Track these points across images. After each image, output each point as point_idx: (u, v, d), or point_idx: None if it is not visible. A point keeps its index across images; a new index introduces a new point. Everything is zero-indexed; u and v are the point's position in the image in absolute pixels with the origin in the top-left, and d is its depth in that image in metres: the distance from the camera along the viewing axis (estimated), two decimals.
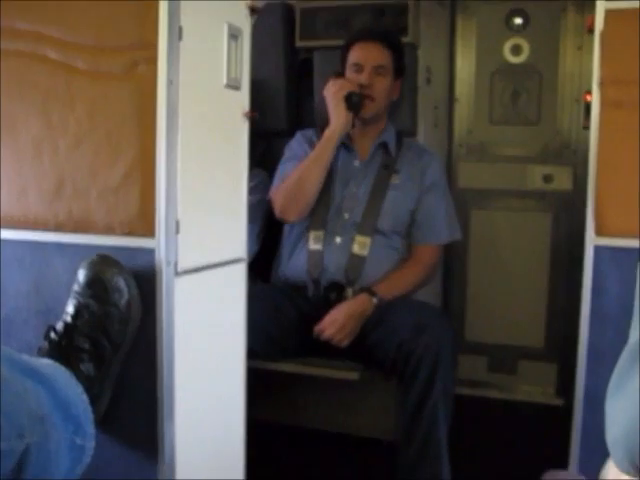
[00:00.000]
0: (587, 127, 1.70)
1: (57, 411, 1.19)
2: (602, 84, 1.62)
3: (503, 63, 3.24)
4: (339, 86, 2.36)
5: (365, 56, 2.40)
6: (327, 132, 2.37)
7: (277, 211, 2.41)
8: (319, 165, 2.35)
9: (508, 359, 3.27)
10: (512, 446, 2.63)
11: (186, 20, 1.38)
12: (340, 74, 2.44)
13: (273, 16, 2.76)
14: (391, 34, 2.50)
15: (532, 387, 3.24)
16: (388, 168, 2.43)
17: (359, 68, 2.40)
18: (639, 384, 0.58)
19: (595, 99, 1.64)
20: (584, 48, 3.06)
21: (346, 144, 2.46)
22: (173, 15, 1.36)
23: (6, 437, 1.03)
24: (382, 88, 2.41)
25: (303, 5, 2.76)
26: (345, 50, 2.45)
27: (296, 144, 2.53)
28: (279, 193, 2.40)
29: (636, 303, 0.62)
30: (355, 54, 2.42)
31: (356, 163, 2.45)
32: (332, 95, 2.36)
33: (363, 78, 2.37)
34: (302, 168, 2.37)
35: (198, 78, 1.45)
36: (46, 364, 1.29)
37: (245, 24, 1.61)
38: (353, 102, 2.35)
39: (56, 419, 1.18)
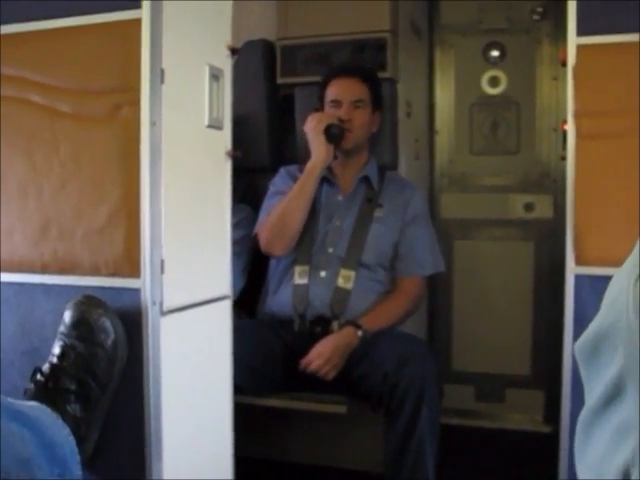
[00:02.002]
0: (564, 158, 1.73)
1: (43, 453, 1.19)
2: (576, 116, 1.65)
3: (481, 95, 3.28)
4: (318, 119, 2.39)
5: (343, 92, 2.44)
6: (309, 165, 2.40)
7: (262, 245, 2.42)
8: (302, 198, 2.37)
9: (495, 388, 3.27)
10: (501, 475, 2.63)
11: (168, 62, 1.40)
12: (319, 110, 2.47)
13: (254, 54, 2.79)
14: (366, 68, 2.53)
15: (520, 415, 3.25)
16: (371, 202, 2.45)
17: (337, 104, 2.43)
18: (596, 455, 0.59)
19: (570, 131, 1.67)
20: (560, 78, 3.11)
21: (329, 178, 2.48)
22: (155, 58, 1.39)
23: None
24: (361, 121, 2.44)
25: (283, 43, 2.79)
26: (322, 88, 2.49)
27: (280, 180, 2.55)
28: (264, 228, 2.42)
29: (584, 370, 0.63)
30: (333, 91, 2.45)
31: (339, 197, 2.47)
32: (312, 128, 2.39)
33: (342, 112, 2.41)
34: (285, 202, 2.38)
35: (180, 119, 1.47)
36: (32, 406, 1.28)
37: (226, 64, 1.64)
38: (332, 134, 2.38)
39: (42, 461, 1.18)
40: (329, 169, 2.46)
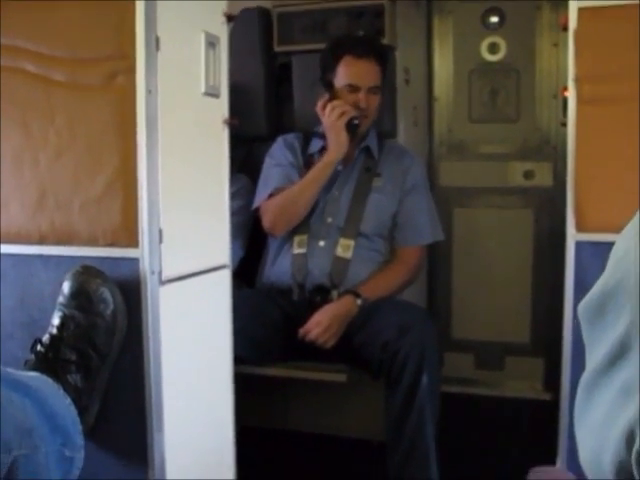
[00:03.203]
0: (565, 124, 1.71)
1: (45, 423, 1.20)
2: (577, 81, 1.63)
3: (481, 62, 3.25)
4: (339, 112, 2.31)
5: (361, 77, 2.36)
6: (327, 158, 2.35)
7: (266, 225, 2.42)
8: (314, 187, 2.35)
9: (495, 356, 3.28)
10: (501, 443, 2.65)
11: (163, 30, 1.39)
12: (331, 87, 2.38)
13: (250, 22, 2.76)
14: (382, 47, 2.47)
15: (520, 383, 3.26)
16: (370, 171, 2.44)
17: (354, 89, 2.36)
18: (597, 417, 0.59)
19: (571, 96, 1.65)
20: (560, 45, 3.08)
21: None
22: (150, 25, 1.37)
23: None
24: (375, 105, 2.40)
25: (280, 10, 2.76)
26: (333, 58, 2.40)
27: (278, 151, 2.52)
28: (269, 209, 2.40)
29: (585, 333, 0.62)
30: (349, 72, 2.36)
31: (338, 168, 2.44)
32: (333, 122, 2.31)
33: (361, 101, 2.34)
34: (296, 189, 2.37)
35: (177, 87, 1.46)
36: (33, 377, 1.29)
37: (222, 32, 1.62)
38: (352, 127, 2.33)
39: (44, 431, 1.18)
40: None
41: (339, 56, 2.39)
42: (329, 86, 2.39)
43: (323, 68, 2.44)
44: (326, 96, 2.37)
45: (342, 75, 2.38)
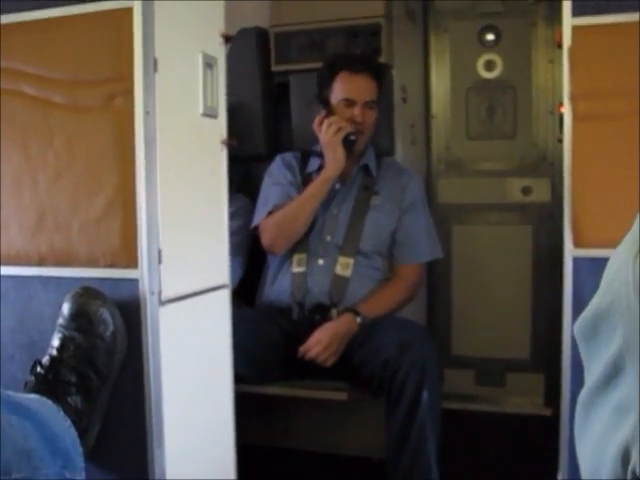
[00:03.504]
0: (561, 140, 1.72)
1: (45, 445, 1.19)
2: (573, 99, 1.64)
3: (477, 79, 3.27)
4: (336, 128, 2.33)
5: (357, 91, 2.37)
6: (324, 174, 2.36)
7: (265, 244, 2.42)
8: (312, 204, 2.36)
9: (495, 372, 3.28)
10: (502, 459, 2.64)
11: (161, 51, 1.40)
12: (327, 103, 2.40)
13: (248, 42, 2.78)
14: (377, 63, 2.49)
15: (520, 398, 3.25)
16: (368, 189, 2.44)
17: (350, 103, 2.37)
18: (595, 435, 0.59)
19: (567, 113, 1.66)
20: (556, 61, 3.09)
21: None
22: (148, 47, 1.38)
23: None
24: (371, 121, 2.41)
25: (277, 30, 2.78)
26: (329, 75, 2.41)
27: (277, 170, 2.53)
28: (267, 227, 2.41)
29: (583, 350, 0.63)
30: (345, 87, 2.38)
31: (337, 186, 2.45)
32: (330, 139, 2.33)
33: (357, 116, 2.36)
34: (294, 206, 2.37)
35: (175, 108, 1.47)
36: (32, 399, 1.28)
37: (219, 52, 1.63)
38: (349, 143, 2.34)
39: (44, 453, 1.18)
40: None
41: (335, 72, 2.40)
42: (325, 103, 2.41)
43: (320, 85, 2.45)
44: (323, 113, 2.38)
45: (338, 90, 2.39)
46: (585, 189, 1.65)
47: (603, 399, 0.57)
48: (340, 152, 2.33)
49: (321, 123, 2.36)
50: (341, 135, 2.33)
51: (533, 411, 3.19)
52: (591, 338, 0.59)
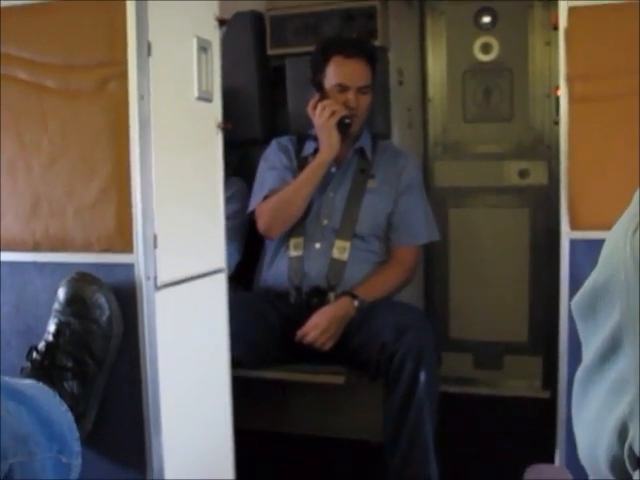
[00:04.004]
0: (557, 122, 1.72)
1: (41, 430, 1.20)
2: (569, 80, 1.64)
3: (474, 62, 3.25)
4: (330, 112, 2.32)
5: (350, 76, 2.36)
6: (319, 158, 2.36)
7: (261, 228, 2.42)
8: (308, 188, 2.36)
9: (493, 355, 3.28)
10: (500, 442, 2.65)
11: (154, 35, 1.39)
12: (321, 87, 2.39)
13: (243, 25, 2.77)
14: (371, 47, 2.47)
15: (518, 381, 3.26)
16: (364, 172, 2.44)
17: (343, 88, 2.36)
18: (592, 412, 0.59)
19: (563, 95, 1.65)
20: (552, 43, 3.08)
21: None
22: (141, 31, 1.37)
23: None
24: (365, 105, 2.40)
25: (272, 13, 2.76)
26: (322, 59, 2.41)
27: (273, 154, 2.52)
28: (263, 211, 2.41)
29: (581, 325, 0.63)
30: (338, 72, 2.37)
31: (332, 170, 2.45)
32: (324, 122, 2.32)
33: (350, 100, 2.35)
34: (290, 190, 2.37)
35: (169, 92, 1.46)
36: (28, 384, 1.29)
37: (214, 36, 1.62)
38: (344, 125, 2.34)
39: (40, 438, 1.18)
40: None
41: (328, 57, 2.39)
42: (319, 87, 2.40)
43: (313, 69, 2.44)
44: (317, 97, 2.38)
45: (332, 75, 2.38)
46: (581, 171, 1.65)
47: (600, 376, 0.57)
48: (335, 135, 2.33)
49: (315, 107, 2.36)
50: (335, 118, 2.32)
51: (531, 394, 3.19)
52: (588, 315, 0.59)
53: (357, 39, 2.51)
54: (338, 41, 2.46)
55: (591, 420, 0.59)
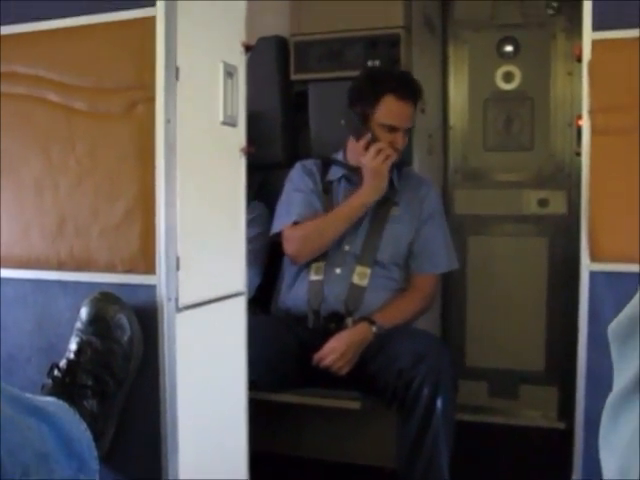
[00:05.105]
0: (579, 154, 1.72)
1: (61, 448, 1.20)
2: (591, 112, 1.64)
3: (495, 90, 3.27)
4: (385, 156, 2.31)
5: (401, 119, 2.36)
6: (363, 199, 2.35)
7: (289, 253, 2.43)
8: (344, 224, 2.36)
9: (509, 384, 3.27)
10: (515, 471, 2.63)
11: (182, 60, 1.41)
12: (367, 120, 2.37)
13: (267, 50, 2.80)
14: (421, 91, 2.46)
15: (534, 411, 3.24)
16: (388, 200, 2.44)
17: (392, 129, 2.36)
18: (624, 438, 0.59)
19: (585, 127, 1.66)
20: (574, 73, 3.10)
21: (349, 177, 2.48)
22: (170, 56, 1.39)
23: (10, 475, 1.04)
24: (405, 143, 2.42)
25: (297, 39, 2.79)
26: (371, 92, 2.37)
27: (298, 178, 2.53)
28: (294, 238, 2.41)
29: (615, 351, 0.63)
30: (391, 114, 2.35)
31: None
32: (377, 166, 2.30)
33: (399, 143, 2.36)
34: (325, 223, 2.38)
35: (195, 116, 1.48)
36: (49, 402, 1.30)
37: (240, 61, 1.64)
38: (390, 169, 2.35)
39: (60, 456, 1.19)
40: (351, 168, 2.45)
41: (381, 93, 2.37)
42: (365, 119, 2.37)
43: (359, 99, 2.41)
44: (369, 136, 2.34)
45: (383, 114, 2.36)
46: (602, 203, 1.65)
47: (634, 402, 0.57)
48: (385, 180, 2.34)
49: (366, 147, 2.34)
50: (389, 163, 2.32)
51: (546, 424, 3.18)
52: (625, 341, 0.59)
53: (410, 80, 2.49)
54: (393, 79, 2.43)
55: (623, 446, 0.59)
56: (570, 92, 3.15)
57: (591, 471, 1.67)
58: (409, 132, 2.44)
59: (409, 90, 2.40)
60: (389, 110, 2.36)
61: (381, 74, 2.49)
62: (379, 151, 2.31)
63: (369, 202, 2.36)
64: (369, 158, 2.32)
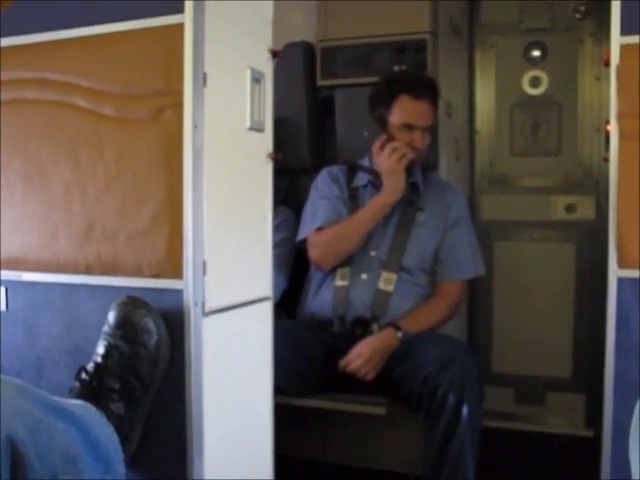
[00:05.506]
0: (607, 159, 1.71)
1: (88, 451, 1.21)
2: (620, 117, 1.63)
3: (522, 95, 3.26)
4: (400, 155, 2.33)
5: (417, 117, 2.38)
6: (384, 199, 2.36)
7: (314, 258, 2.44)
8: (367, 226, 2.37)
9: (535, 390, 3.25)
10: (541, 479, 2.61)
11: (210, 66, 1.42)
12: (384, 127, 2.39)
13: (294, 56, 2.81)
14: (437, 89, 2.47)
15: (560, 418, 3.22)
16: (414, 205, 2.44)
17: (410, 128, 2.37)
18: None
19: (613, 132, 1.64)
20: (602, 78, 3.08)
21: (375, 184, 2.47)
22: (197, 62, 1.40)
23: (40, 477, 1.06)
24: (426, 144, 2.42)
25: (323, 44, 2.80)
26: (389, 95, 2.40)
27: (323, 184, 2.54)
28: (317, 243, 2.42)
29: None
30: (406, 112, 2.37)
31: None
32: (393, 164, 2.32)
33: (417, 142, 2.36)
34: (348, 226, 2.38)
35: (222, 122, 1.49)
36: (77, 404, 1.31)
37: (267, 67, 1.64)
38: (408, 168, 2.35)
39: (87, 459, 1.20)
40: (376, 174, 2.45)
41: (396, 94, 2.39)
42: (382, 122, 2.40)
43: (376, 102, 2.45)
44: (384, 137, 2.37)
45: (399, 114, 2.38)
46: (631, 209, 1.63)
47: None
48: (402, 180, 2.34)
49: (382, 147, 2.36)
50: (405, 162, 2.33)
51: (573, 432, 3.15)
52: None
53: (425, 79, 2.51)
54: (407, 79, 2.46)
55: None
56: (598, 97, 3.13)
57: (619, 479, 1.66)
58: (432, 132, 2.43)
59: (423, 88, 2.41)
60: (404, 109, 2.38)
61: (395, 76, 2.52)
62: (394, 150, 2.32)
63: (390, 202, 2.36)
64: (384, 158, 2.34)
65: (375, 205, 2.37)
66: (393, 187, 2.34)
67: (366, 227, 2.36)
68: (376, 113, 2.43)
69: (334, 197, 2.47)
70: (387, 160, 2.33)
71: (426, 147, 2.43)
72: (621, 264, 1.63)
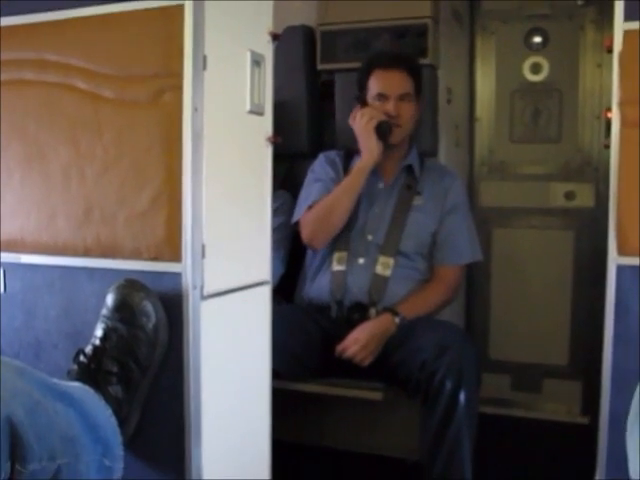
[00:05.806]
0: (608, 146, 1.70)
1: (87, 433, 1.22)
2: (621, 104, 1.62)
3: (523, 82, 3.25)
4: (368, 117, 2.35)
5: (389, 86, 2.40)
6: (359, 164, 2.38)
7: (305, 238, 2.43)
8: (349, 195, 2.37)
9: (532, 377, 3.25)
10: (537, 465, 2.62)
11: (210, 49, 1.41)
12: (364, 102, 2.42)
13: (294, 39, 2.80)
14: (410, 59, 2.49)
15: (557, 405, 3.22)
16: (410, 190, 2.44)
17: (383, 98, 2.39)
18: None
19: (615, 119, 1.64)
20: (604, 65, 3.06)
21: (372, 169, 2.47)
22: (197, 44, 1.39)
23: (38, 458, 1.06)
24: (408, 115, 2.42)
25: (323, 28, 2.79)
26: (364, 75, 2.45)
27: (319, 167, 2.55)
28: (307, 221, 2.42)
29: None
30: (378, 83, 2.41)
31: (380, 185, 2.46)
32: (362, 127, 2.36)
33: (390, 108, 2.37)
34: (332, 198, 2.39)
35: (222, 105, 1.48)
36: (75, 387, 1.31)
37: (267, 50, 1.64)
38: (383, 131, 2.35)
39: (86, 441, 1.21)
40: None
41: (370, 71, 2.43)
42: (363, 103, 2.43)
43: (359, 87, 2.48)
44: (358, 108, 2.42)
45: (372, 87, 2.42)
46: (631, 196, 1.63)
47: None
48: (373, 140, 2.35)
49: (355, 117, 2.40)
50: (373, 123, 2.35)
51: (569, 419, 3.16)
52: None
53: (396, 53, 2.54)
54: (378, 55, 2.50)
55: None
56: (599, 84, 3.12)
57: (615, 467, 1.66)
58: (411, 99, 2.43)
59: (393, 58, 2.44)
60: (376, 81, 2.42)
61: (371, 55, 2.54)
62: (363, 115, 2.37)
63: (367, 165, 2.37)
64: (356, 124, 2.39)
65: (353, 171, 2.39)
66: (366, 149, 2.37)
67: (348, 196, 2.36)
68: (359, 97, 2.46)
69: (328, 179, 2.47)
70: (357, 124, 2.38)
71: (410, 117, 2.43)
72: (621, 251, 1.63)
